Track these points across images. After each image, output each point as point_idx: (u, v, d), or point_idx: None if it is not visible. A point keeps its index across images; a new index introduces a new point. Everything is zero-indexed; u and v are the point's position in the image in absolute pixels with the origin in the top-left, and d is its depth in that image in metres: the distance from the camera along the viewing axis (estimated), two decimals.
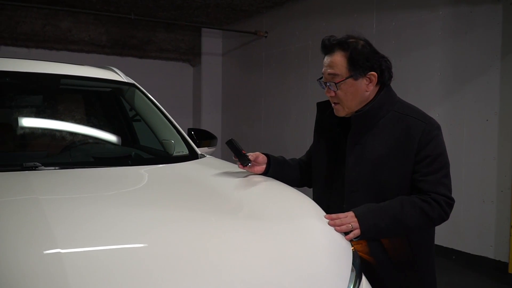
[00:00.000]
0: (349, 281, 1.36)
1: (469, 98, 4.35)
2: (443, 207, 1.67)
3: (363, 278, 1.47)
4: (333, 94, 1.78)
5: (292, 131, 6.57)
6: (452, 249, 4.47)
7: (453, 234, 4.38)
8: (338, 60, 1.74)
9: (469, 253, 4.37)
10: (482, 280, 4.01)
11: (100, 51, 7.54)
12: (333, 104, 1.82)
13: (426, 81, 4.67)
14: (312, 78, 6.07)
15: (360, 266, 1.48)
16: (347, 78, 1.73)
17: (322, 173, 1.90)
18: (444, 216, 1.69)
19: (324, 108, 1.93)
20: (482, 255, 4.27)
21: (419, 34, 4.74)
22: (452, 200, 1.70)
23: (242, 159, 1.88)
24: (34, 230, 1.18)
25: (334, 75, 1.74)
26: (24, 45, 6.96)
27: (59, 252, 1.09)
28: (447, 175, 1.73)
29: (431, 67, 4.64)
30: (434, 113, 4.46)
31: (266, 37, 7.12)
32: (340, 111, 1.80)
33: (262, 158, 1.94)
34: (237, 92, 7.92)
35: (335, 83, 1.74)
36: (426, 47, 4.68)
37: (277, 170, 1.97)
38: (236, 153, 1.88)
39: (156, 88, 7.20)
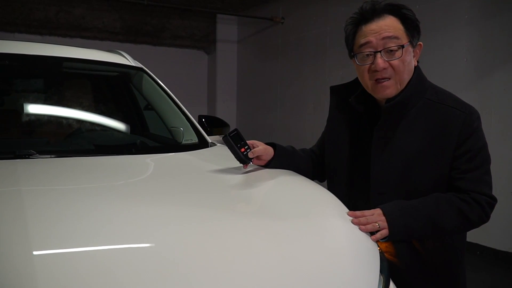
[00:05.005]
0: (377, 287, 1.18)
1: (498, 85, 4.12)
2: (484, 207, 1.45)
3: (391, 285, 1.29)
4: (386, 65, 1.47)
5: (309, 120, 6.39)
6: (476, 244, 4.28)
7: (478, 228, 4.17)
8: (393, 23, 1.46)
9: (495, 249, 4.18)
10: (509, 277, 3.82)
11: (114, 38, 7.43)
12: (379, 84, 1.50)
13: (452, 67, 4.45)
14: (330, 65, 5.88)
15: (388, 271, 1.30)
16: (409, 43, 1.47)
17: (340, 169, 1.66)
18: (484, 217, 1.47)
19: (340, 93, 1.68)
20: (510, 251, 4.07)
21: (445, 17, 4.51)
22: (494, 200, 1.49)
23: (240, 159, 1.65)
24: (6, 226, 1.02)
25: (395, 38, 1.45)
26: (37, 32, 6.89)
27: (32, 254, 0.93)
28: (488, 172, 1.50)
29: (458, 52, 4.41)
30: None
31: (282, 23, 6.92)
32: (392, 88, 1.50)
33: (266, 155, 1.71)
34: (252, 80, 7.76)
35: (402, 46, 1.44)
36: (452, 31, 4.45)
37: (282, 161, 1.74)
38: (232, 151, 1.64)
39: (171, 76, 7.10)
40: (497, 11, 4.09)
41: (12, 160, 1.62)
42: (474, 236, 4.24)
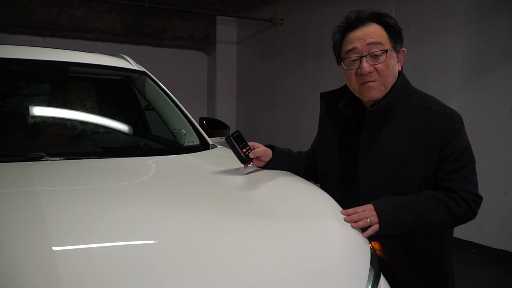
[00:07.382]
0: (367, 281, 1.27)
1: (492, 87, 4.19)
2: (471, 205, 1.54)
3: (382, 278, 1.38)
4: (372, 69, 1.56)
5: (307, 120, 6.46)
6: (471, 242, 4.36)
7: (473, 227, 4.26)
8: (377, 30, 1.56)
9: (489, 247, 4.25)
10: (503, 275, 3.89)
11: (115, 40, 7.50)
12: (365, 85, 1.58)
13: (447, 69, 4.52)
14: (328, 66, 5.95)
15: (379, 265, 1.39)
16: (392, 48, 1.57)
17: (331, 172, 1.75)
18: (471, 214, 1.56)
19: (330, 99, 1.77)
20: (504, 249, 4.15)
21: (441, 20, 4.58)
22: (480, 198, 1.57)
23: (241, 159, 1.75)
24: (27, 224, 1.11)
25: (378, 43, 1.54)
26: (39, 33, 6.96)
27: (52, 250, 1.01)
28: (473, 171, 1.59)
29: (453, 54, 4.48)
30: (455, 102, 4.33)
31: (281, 24, 7.00)
32: (377, 90, 1.58)
33: (265, 157, 1.81)
34: (252, 81, 7.83)
35: (385, 51, 1.54)
36: (448, 34, 4.52)
37: (280, 163, 1.84)
38: (234, 152, 1.73)
39: (171, 77, 7.19)
40: (492, 14, 4.16)
41: (24, 162, 1.70)
42: (469, 234, 4.33)
